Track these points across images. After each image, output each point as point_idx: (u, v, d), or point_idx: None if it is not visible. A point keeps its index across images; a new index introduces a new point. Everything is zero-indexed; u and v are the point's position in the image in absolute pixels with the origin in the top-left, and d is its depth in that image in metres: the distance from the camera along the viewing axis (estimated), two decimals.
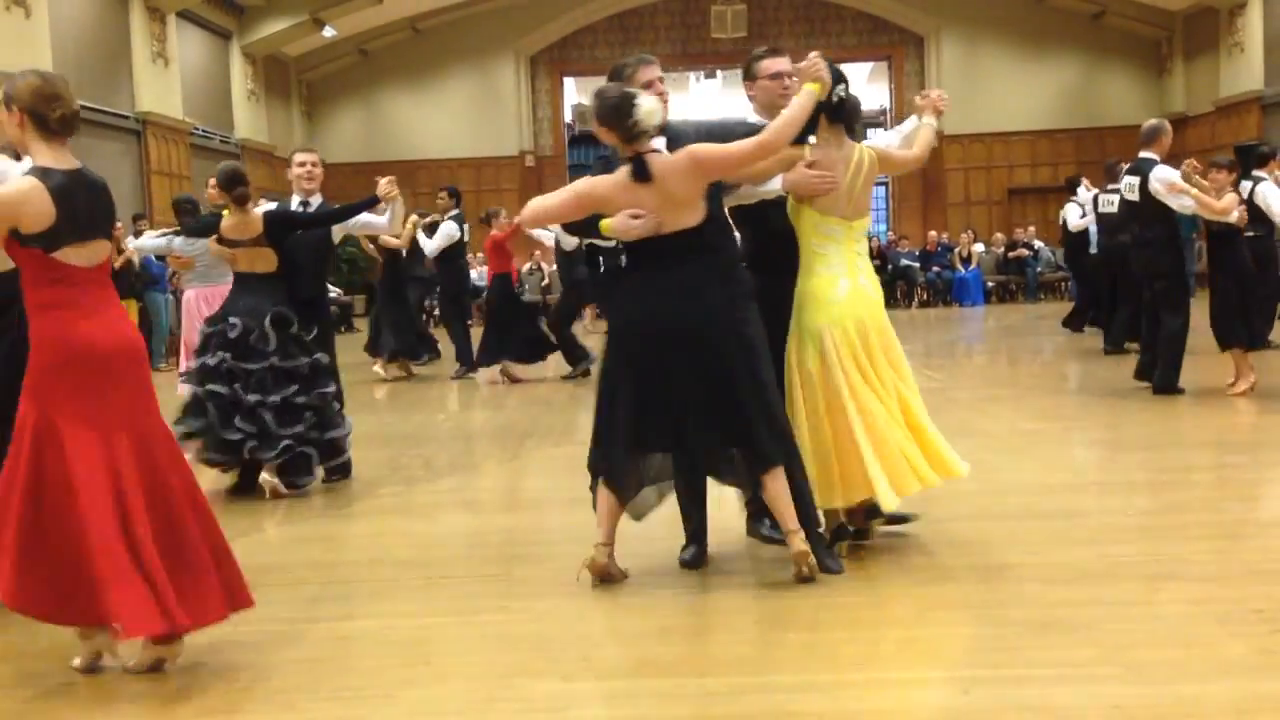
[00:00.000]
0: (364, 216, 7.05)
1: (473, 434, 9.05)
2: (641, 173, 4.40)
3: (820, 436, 4.62)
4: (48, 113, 3.69)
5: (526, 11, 24.65)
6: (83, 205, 3.70)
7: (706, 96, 28.41)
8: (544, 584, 4.71)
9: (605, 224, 4.43)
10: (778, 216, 4.82)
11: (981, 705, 3.35)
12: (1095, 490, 6.19)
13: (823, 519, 4.71)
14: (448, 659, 3.91)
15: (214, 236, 6.77)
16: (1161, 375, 8.98)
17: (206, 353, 6.46)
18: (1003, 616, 4.08)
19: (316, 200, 7.16)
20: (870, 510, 4.79)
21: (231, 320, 6.45)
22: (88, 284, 3.71)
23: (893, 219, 26.15)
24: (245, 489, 6.63)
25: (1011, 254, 23.15)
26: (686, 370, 4.36)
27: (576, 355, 11.93)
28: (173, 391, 7.71)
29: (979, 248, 23.04)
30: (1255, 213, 9.12)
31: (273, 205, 7.09)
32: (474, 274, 17.39)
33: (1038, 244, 22.87)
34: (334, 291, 19.41)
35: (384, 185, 6.90)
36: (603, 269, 8.55)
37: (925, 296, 22.96)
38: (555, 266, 13.64)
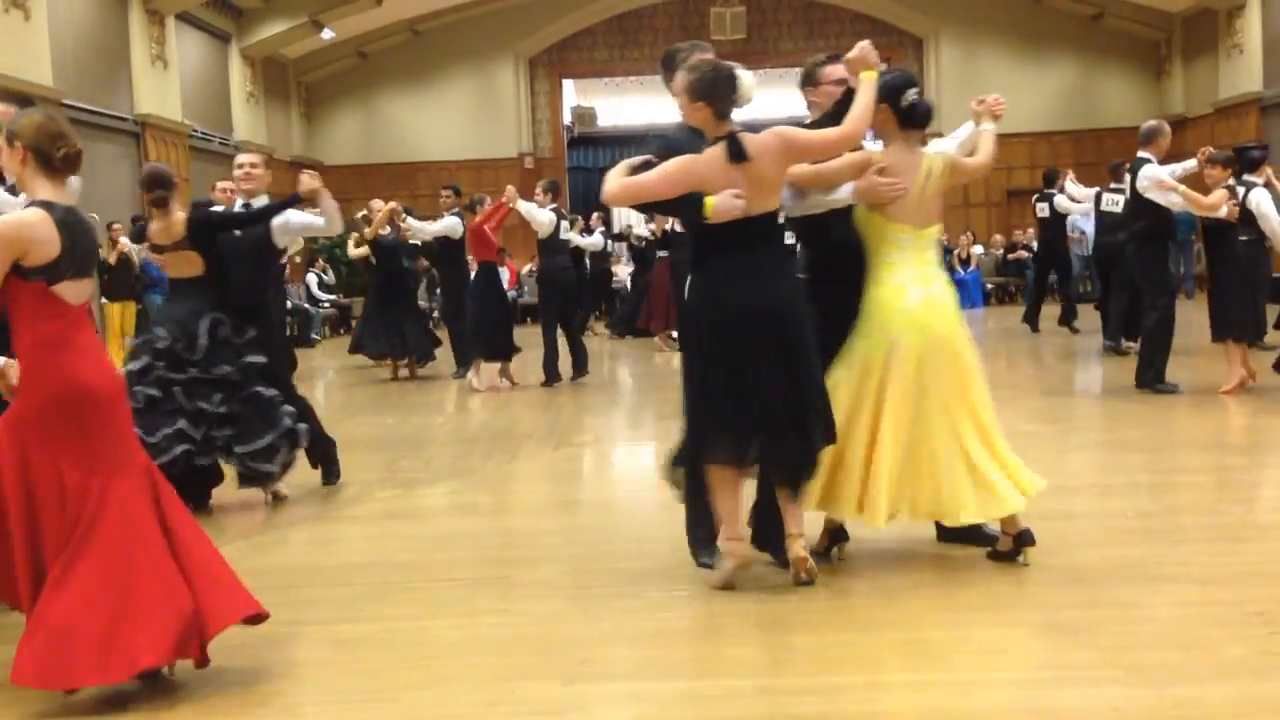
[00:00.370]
0: (302, 218, 6.70)
1: (472, 436, 9.05)
2: (738, 152, 4.30)
3: (853, 447, 4.51)
4: (52, 151, 3.69)
5: (525, 14, 24.64)
6: (80, 240, 3.71)
7: None
8: (544, 587, 4.72)
9: (710, 203, 4.29)
10: (839, 226, 4.71)
11: (982, 708, 3.35)
12: (1095, 492, 6.19)
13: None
14: (448, 662, 3.91)
15: (145, 244, 6.61)
16: (1140, 371, 9.21)
17: (134, 360, 6.14)
18: (1003, 619, 4.08)
19: (260, 202, 6.86)
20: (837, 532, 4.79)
21: (159, 331, 6.20)
22: (79, 322, 3.72)
23: None
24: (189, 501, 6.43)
25: (1011, 256, 23.15)
26: (775, 352, 4.32)
27: (548, 368, 11.49)
28: None
29: (978, 250, 23.04)
30: (1246, 216, 9.16)
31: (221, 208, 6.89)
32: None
33: (1037, 246, 22.85)
34: (328, 297, 19.45)
35: (306, 181, 6.62)
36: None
37: None
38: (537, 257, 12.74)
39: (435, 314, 17.29)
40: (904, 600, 4.31)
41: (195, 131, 19.24)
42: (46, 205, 3.65)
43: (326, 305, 19.20)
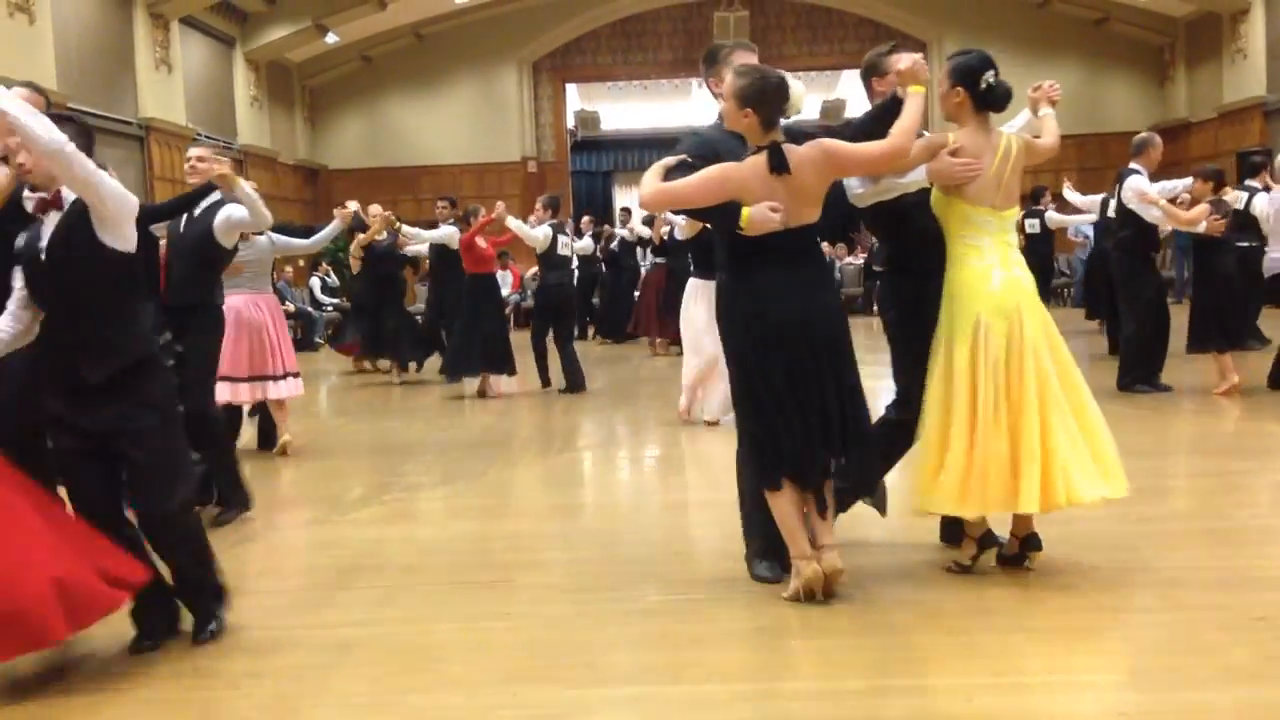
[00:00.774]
0: (240, 213, 6.26)
1: (475, 440, 9.05)
2: (779, 163, 4.20)
3: (969, 441, 4.42)
4: None
5: (529, 18, 24.67)
6: None
7: (708, 102, 28.40)
8: (547, 590, 4.71)
9: (747, 213, 4.17)
10: (920, 216, 4.65)
11: (985, 712, 3.35)
12: None
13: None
14: (450, 665, 3.91)
15: None
16: (1120, 375, 9.54)
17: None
18: (1006, 624, 4.07)
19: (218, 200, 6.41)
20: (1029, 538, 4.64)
21: None
22: None
23: None
24: None
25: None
26: (826, 366, 4.28)
27: (543, 377, 11.49)
28: None
29: None
30: (1249, 221, 9.23)
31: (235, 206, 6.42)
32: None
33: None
34: (331, 301, 19.42)
35: (216, 168, 6.21)
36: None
37: None
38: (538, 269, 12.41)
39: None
40: (907, 605, 4.30)
41: (199, 135, 19.27)
42: None
43: (330, 309, 19.21)
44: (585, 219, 19.64)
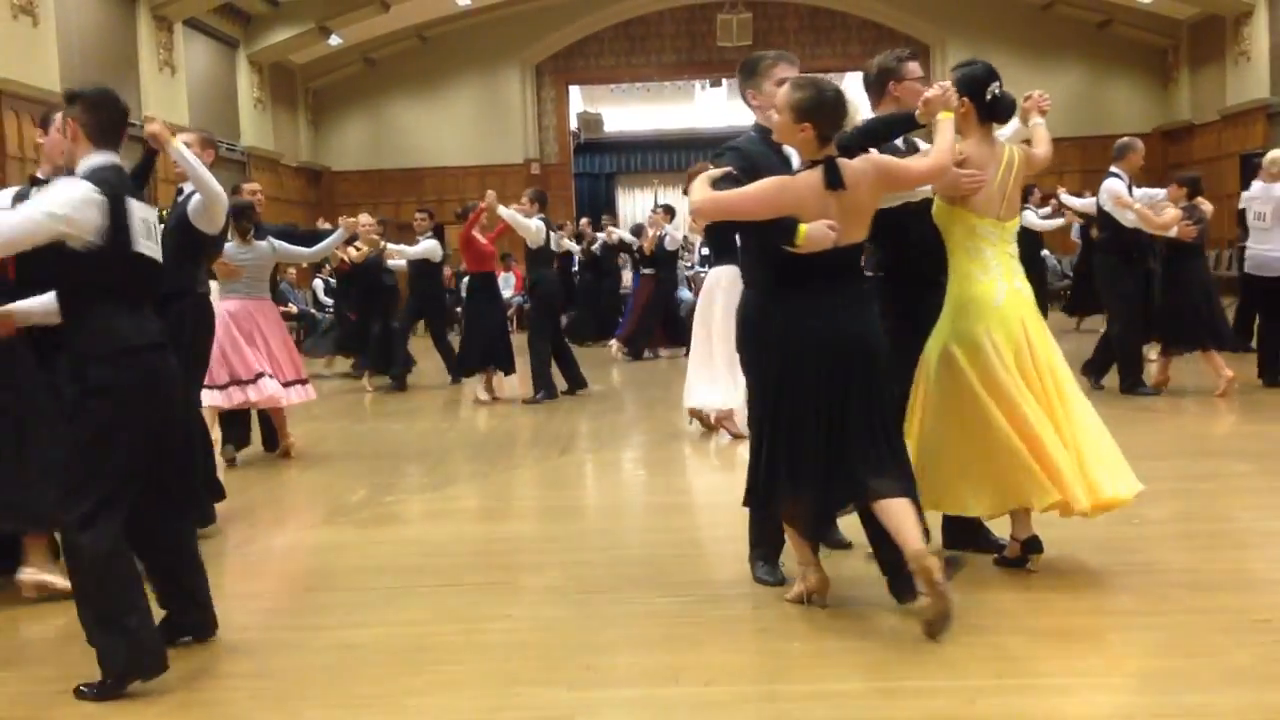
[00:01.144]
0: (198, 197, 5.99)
1: (477, 442, 9.06)
2: (835, 179, 4.07)
3: (975, 443, 4.47)
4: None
5: (532, 20, 24.68)
6: None
7: (712, 105, 28.43)
8: (549, 592, 4.72)
9: (804, 230, 4.00)
10: (919, 224, 4.66)
11: (987, 715, 3.35)
12: None
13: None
14: (453, 667, 3.91)
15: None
16: (1122, 379, 9.72)
17: None
18: (1009, 626, 4.07)
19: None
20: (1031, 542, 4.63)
21: None
22: None
23: None
24: None
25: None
26: (864, 388, 4.13)
27: (542, 384, 10.92)
28: None
29: None
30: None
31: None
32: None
33: (1044, 253, 22.85)
34: (333, 303, 19.37)
35: (150, 126, 5.83)
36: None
37: None
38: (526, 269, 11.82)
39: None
40: (909, 608, 4.30)
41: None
42: None
43: (332, 311, 19.16)
44: (584, 220, 19.60)
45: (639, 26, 25.33)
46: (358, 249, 12.10)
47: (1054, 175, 23.73)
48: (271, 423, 8.27)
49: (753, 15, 24.32)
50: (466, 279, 11.50)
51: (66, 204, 3.71)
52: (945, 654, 3.83)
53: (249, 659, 4.04)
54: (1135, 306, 9.67)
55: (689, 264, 22.92)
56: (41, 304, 4.18)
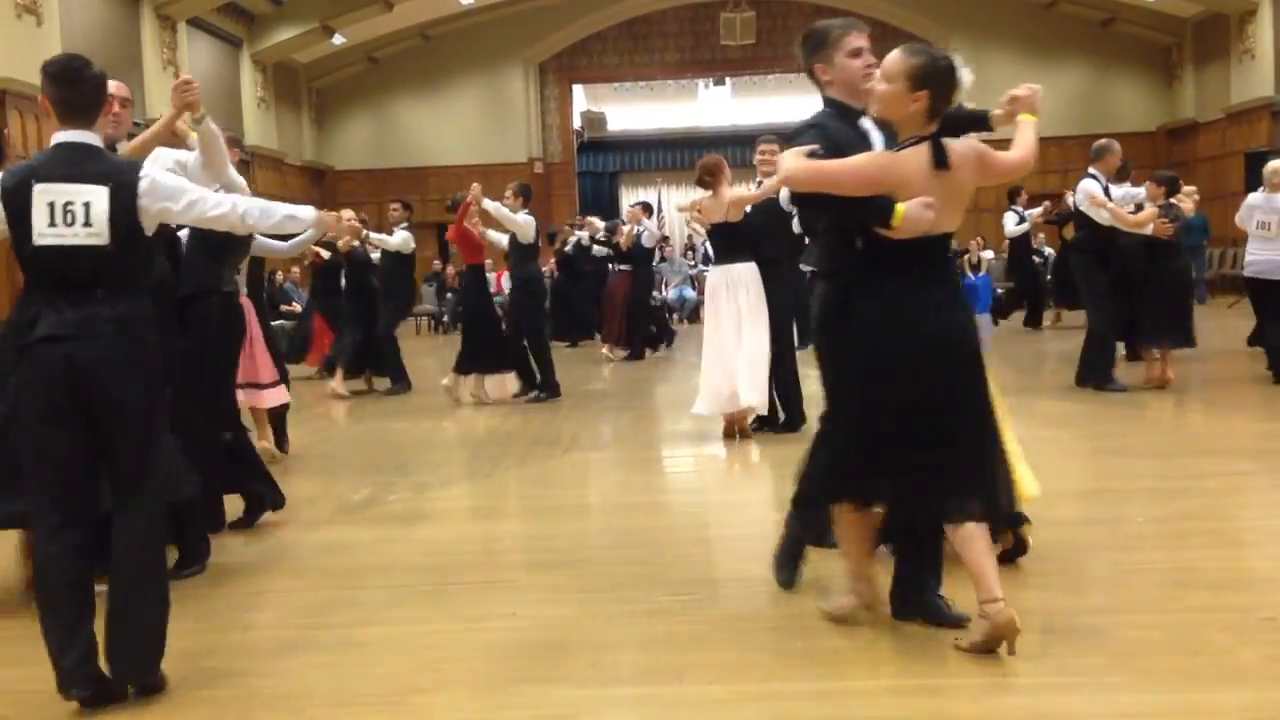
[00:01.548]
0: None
1: (480, 440, 9.06)
2: (942, 158, 3.73)
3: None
4: None
5: (536, 19, 24.71)
6: None
7: (715, 103, 28.44)
8: (553, 591, 4.72)
9: (901, 210, 3.64)
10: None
11: (992, 713, 3.35)
12: (1104, 497, 6.17)
13: None
14: (458, 665, 3.91)
15: None
16: (1080, 372, 10.02)
17: None
18: None
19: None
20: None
21: None
22: None
23: None
24: None
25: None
26: (959, 393, 3.78)
27: (532, 381, 10.81)
28: None
29: (988, 254, 23.00)
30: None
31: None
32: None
33: (1048, 250, 22.84)
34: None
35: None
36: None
37: None
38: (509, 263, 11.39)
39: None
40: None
41: None
42: None
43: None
44: (583, 217, 19.54)
45: (642, 25, 25.35)
46: (345, 244, 11.86)
47: (1058, 174, 23.79)
48: (284, 422, 8.19)
49: (756, 14, 24.35)
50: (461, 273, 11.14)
51: None
52: (950, 652, 3.83)
53: (252, 657, 4.05)
54: (1110, 304, 9.87)
55: (692, 262, 22.97)
56: None
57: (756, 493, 6.85)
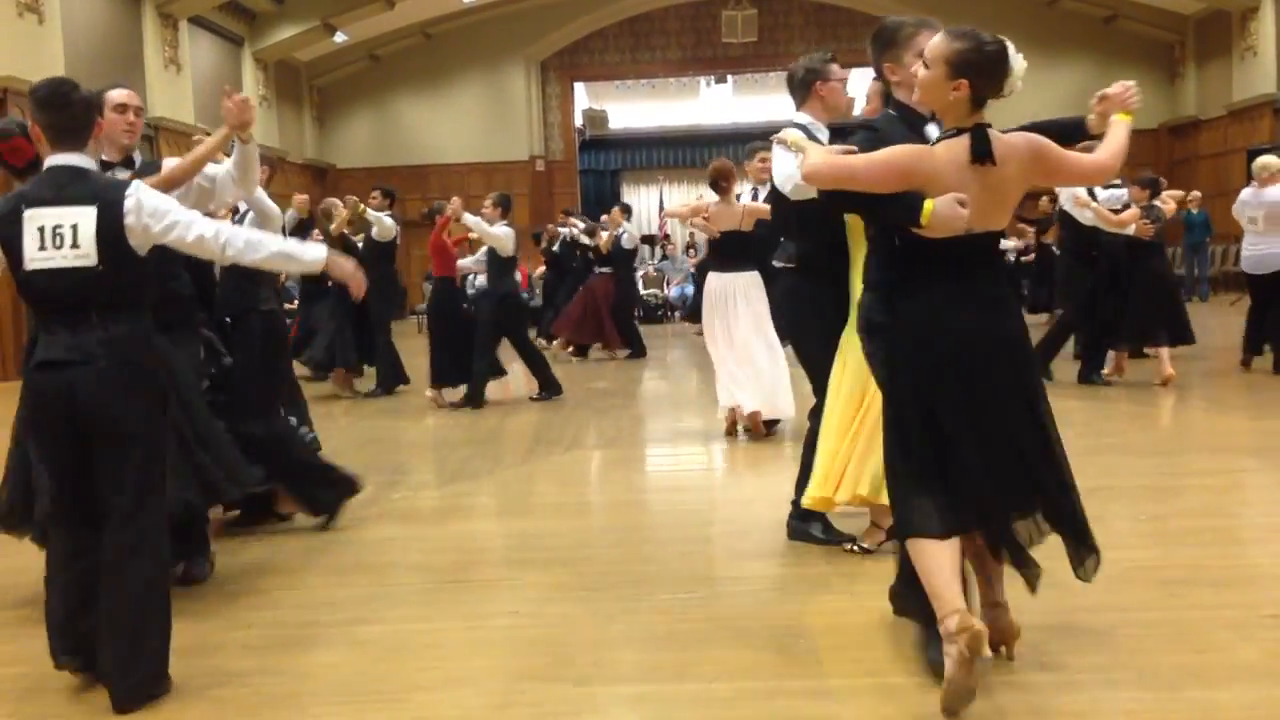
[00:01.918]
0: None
1: (482, 439, 9.06)
2: (983, 151, 3.42)
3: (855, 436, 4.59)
4: None
5: (537, 17, 24.70)
6: None
7: (717, 101, 28.43)
8: (555, 589, 4.72)
9: (931, 207, 3.35)
10: (840, 231, 4.70)
11: (992, 711, 3.35)
12: (1106, 495, 6.16)
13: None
14: (459, 663, 3.92)
15: None
16: (1042, 356, 10.05)
17: None
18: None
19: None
20: None
21: None
22: None
23: None
24: None
25: (1024, 258, 23.12)
26: (1013, 400, 3.52)
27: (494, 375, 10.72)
28: None
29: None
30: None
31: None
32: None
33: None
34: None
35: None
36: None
37: None
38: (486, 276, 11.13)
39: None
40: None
41: (208, 134, 19.31)
42: None
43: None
44: (569, 215, 19.46)
45: (644, 23, 25.35)
46: (338, 227, 11.68)
47: None
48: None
49: (757, 11, 24.33)
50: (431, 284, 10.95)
51: None
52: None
53: (255, 655, 4.05)
54: (1087, 303, 10.06)
55: (694, 260, 22.94)
56: None
57: (759, 491, 6.85)
